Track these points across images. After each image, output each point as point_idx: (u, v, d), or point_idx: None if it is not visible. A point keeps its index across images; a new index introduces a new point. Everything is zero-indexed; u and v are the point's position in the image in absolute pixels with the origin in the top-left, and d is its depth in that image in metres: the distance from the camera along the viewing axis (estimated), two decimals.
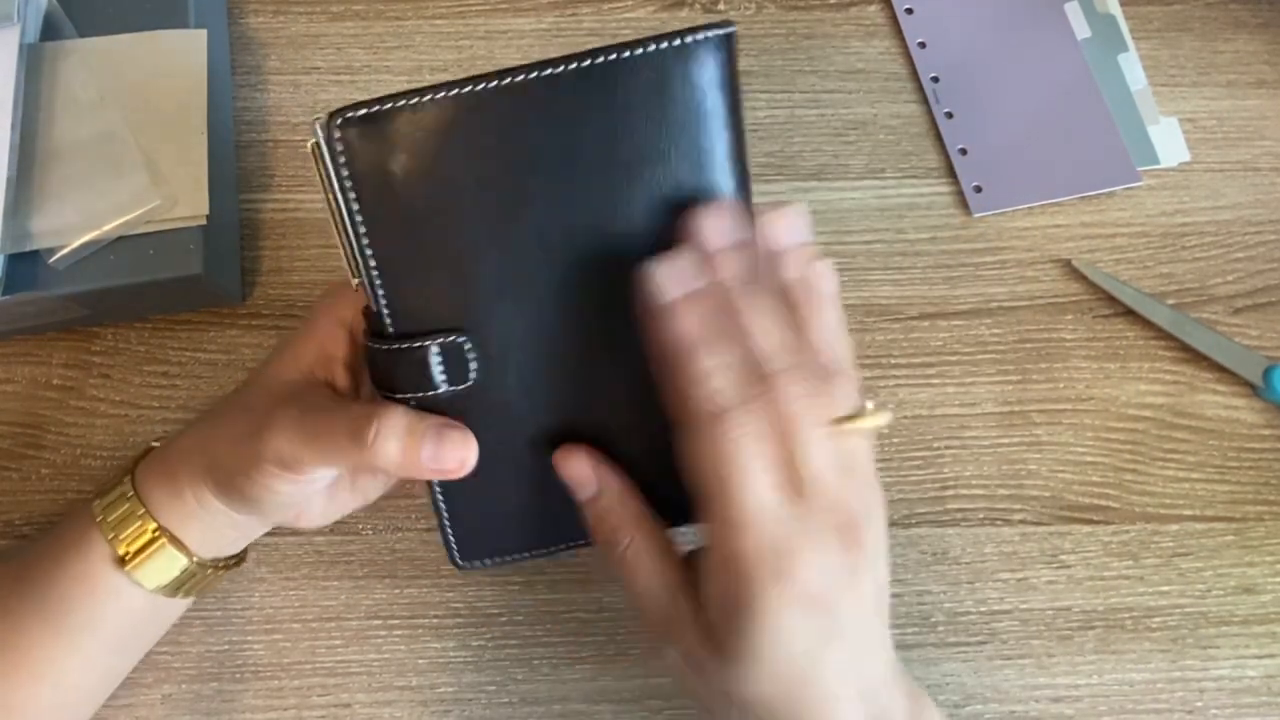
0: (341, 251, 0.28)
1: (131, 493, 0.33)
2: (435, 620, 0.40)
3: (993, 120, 0.49)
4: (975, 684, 0.40)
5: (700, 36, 0.27)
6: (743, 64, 0.51)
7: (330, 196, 0.27)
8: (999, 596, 0.41)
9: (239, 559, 0.37)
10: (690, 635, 0.29)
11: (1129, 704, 0.39)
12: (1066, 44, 0.51)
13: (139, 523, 0.33)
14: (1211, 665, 0.40)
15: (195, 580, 0.35)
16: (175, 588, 0.35)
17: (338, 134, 0.26)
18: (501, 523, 0.34)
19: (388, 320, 0.29)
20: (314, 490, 0.33)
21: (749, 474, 0.26)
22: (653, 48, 0.27)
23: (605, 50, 0.27)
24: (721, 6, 0.51)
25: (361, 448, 0.28)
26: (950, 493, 0.43)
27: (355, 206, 0.27)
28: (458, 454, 0.29)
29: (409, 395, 0.30)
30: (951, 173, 0.48)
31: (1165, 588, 0.41)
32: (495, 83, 0.26)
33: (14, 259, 0.40)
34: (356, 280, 0.29)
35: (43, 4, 0.44)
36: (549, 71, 0.26)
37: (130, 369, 0.44)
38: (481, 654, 0.40)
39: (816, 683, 0.27)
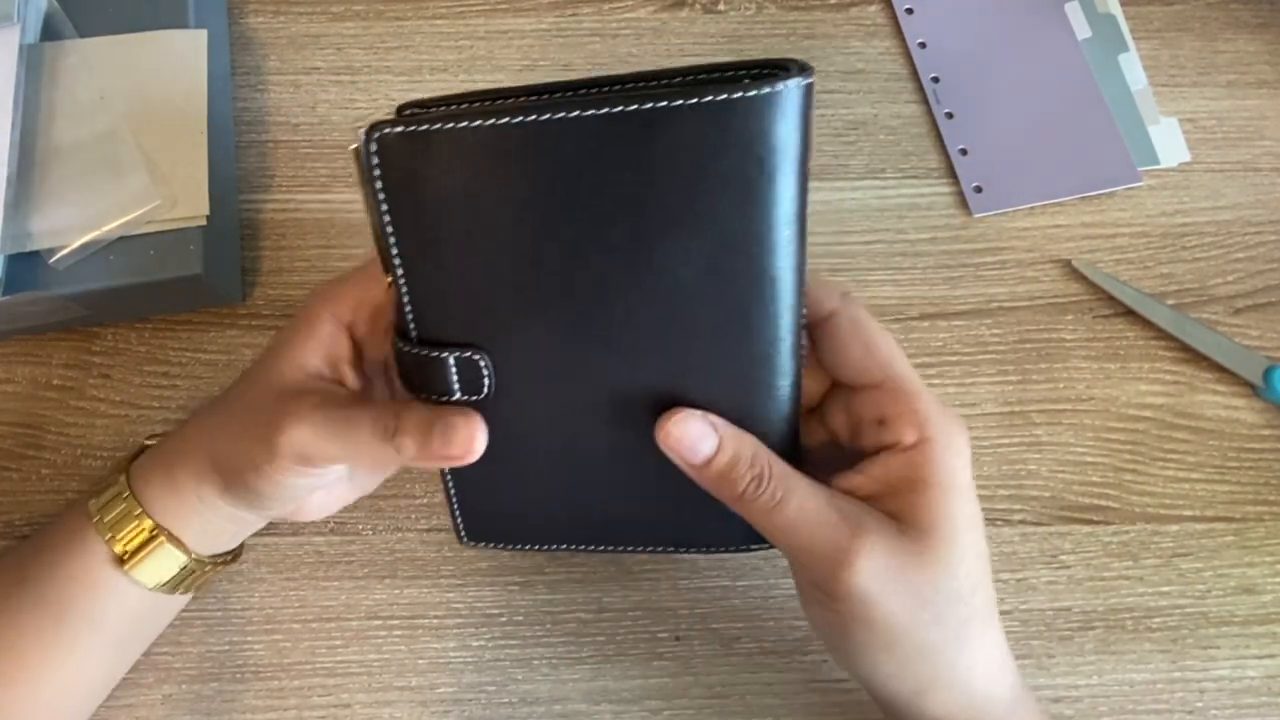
0: (376, 247, 0.29)
1: (127, 492, 0.34)
2: (435, 620, 0.40)
3: (993, 120, 0.49)
4: None
5: (781, 87, 0.24)
6: None
7: (366, 199, 0.28)
8: (999, 597, 0.41)
9: (235, 555, 0.37)
10: (883, 543, 0.29)
11: (1129, 704, 0.39)
12: (1067, 44, 0.51)
13: (136, 521, 0.33)
14: (1211, 665, 0.40)
15: (194, 577, 0.35)
16: (174, 585, 0.35)
17: (374, 146, 0.26)
18: (507, 515, 0.36)
19: (411, 325, 0.30)
20: (323, 484, 0.33)
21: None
22: (724, 96, 0.24)
23: (664, 87, 0.25)
24: (721, 6, 0.51)
25: (385, 443, 0.29)
26: None
27: (387, 217, 0.28)
28: (461, 445, 0.29)
29: (428, 395, 0.30)
30: (951, 173, 0.48)
31: (1165, 588, 0.41)
32: (542, 116, 0.25)
33: (14, 259, 0.40)
34: (389, 279, 0.29)
35: (43, 4, 0.44)
36: (600, 111, 0.24)
37: (130, 369, 0.44)
38: (481, 654, 0.40)
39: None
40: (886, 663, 0.30)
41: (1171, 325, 0.45)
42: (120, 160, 0.42)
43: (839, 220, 0.47)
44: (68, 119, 0.42)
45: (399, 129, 0.26)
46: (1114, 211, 0.48)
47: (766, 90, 0.24)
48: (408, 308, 0.29)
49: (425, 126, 0.26)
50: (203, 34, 0.45)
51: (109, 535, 0.33)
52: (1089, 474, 0.43)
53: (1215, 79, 0.50)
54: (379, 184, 0.27)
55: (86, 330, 0.44)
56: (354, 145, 0.27)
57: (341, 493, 0.36)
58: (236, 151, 0.47)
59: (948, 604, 0.29)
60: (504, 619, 0.40)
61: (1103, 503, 0.42)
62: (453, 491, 0.35)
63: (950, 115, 0.49)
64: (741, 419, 0.30)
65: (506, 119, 0.25)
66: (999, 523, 0.42)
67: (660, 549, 0.37)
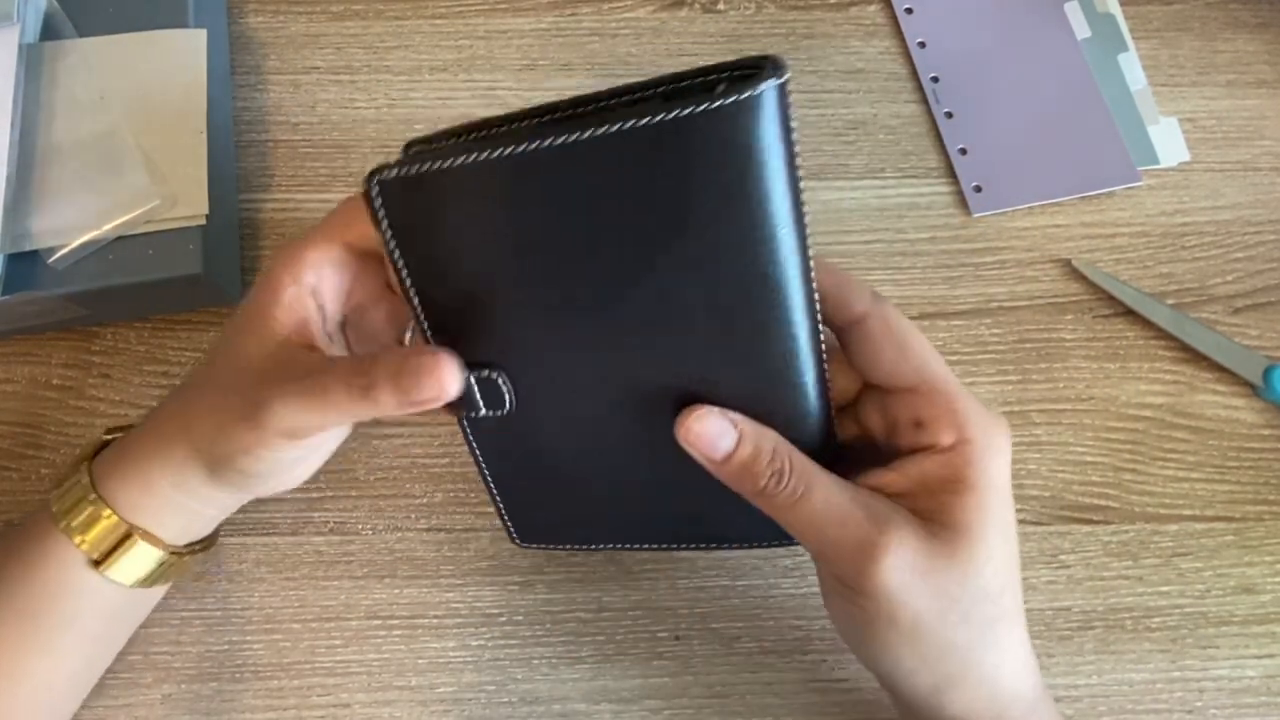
0: (394, 280, 0.30)
1: (94, 494, 0.33)
2: (435, 620, 0.40)
3: (993, 120, 0.49)
4: None
5: (754, 91, 0.23)
6: None
7: (377, 237, 0.28)
8: None
9: (211, 540, 0.37)
10: (911, 541, 0.28)
11: (1128, 704, 0.39)
12: (1066, 44, 0.51)
13: (106, 523, 0.33)
14: (1211, 665, 0.40)
15: (173, 569, 0.35)
16: (153, 579, 0.35)
17: (376, 189, 0.27)
18: (552, 518, 0.37)
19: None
20: (308, 451, 0.33)
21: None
22: (700, 108, 0.23)
23: (642, 103, 0.26)
24: (721, 6, 0.51)
25: (363, 401, 0.29)
26: None
27: (397, 253, 0.28)
28: (434, 389, 0.28)
29: (455, 410, 0.32)
30: (951, 173, 0.48)
31: (1165, 588, 0.41)
32: (519, 148, 0.25)
33: (14, 259, 0.40)
34: (409, 309, 0.30)
35: (43, 4, 0.44)
36: (574, 138, 0.25)
37: (130, 369, 0.44)
38: (481, 654, 0.40)
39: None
40: (909, 659, 0.30)
41: (1171, 325, 0.45)
42: (120, 160, 0.42)
43: (839, 220, 0.47)
44: (68, 119, 0.42)
45: (396, 172, 0.27)
46: (1114, 211, 0.48)
47: (739, 97, 0.23)
48: (428, 333, 0.30)
49: (418, 168, 0.26)
50: (202, 34, 0.45)
51: (80, 540, 0.33)
52: (1089, 474, 0.43)
53: (1215, 79, 0.50)
54: (385, 224, 0.28)
55: (86, 330, 0.44)
56: (362, 189, 0.28)
57: (315, 458, 0.35)
58: (236, 151, 0.48)
59: (975, 603, 0.29)
60: (504, 619, 0.40)
61: (1102, 502, 0.42)
62: (496, 496, 0.36)
63: (950, 115, 0.49)
64: (764, 417, 0.30)
65: (488, 153, 0.25)
66: None
67: (700, 546, 0.38)
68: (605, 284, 0.28)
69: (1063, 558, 0.42)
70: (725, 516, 0.34)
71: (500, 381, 0.30)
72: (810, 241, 0.27)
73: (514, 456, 0.34)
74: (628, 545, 0.39)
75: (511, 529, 0.37)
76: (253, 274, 0.45)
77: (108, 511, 0.33)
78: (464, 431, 0.33)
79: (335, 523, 0.41)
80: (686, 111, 0.24)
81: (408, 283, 0.29)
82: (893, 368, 0.31)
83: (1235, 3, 0.52)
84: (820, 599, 0.41)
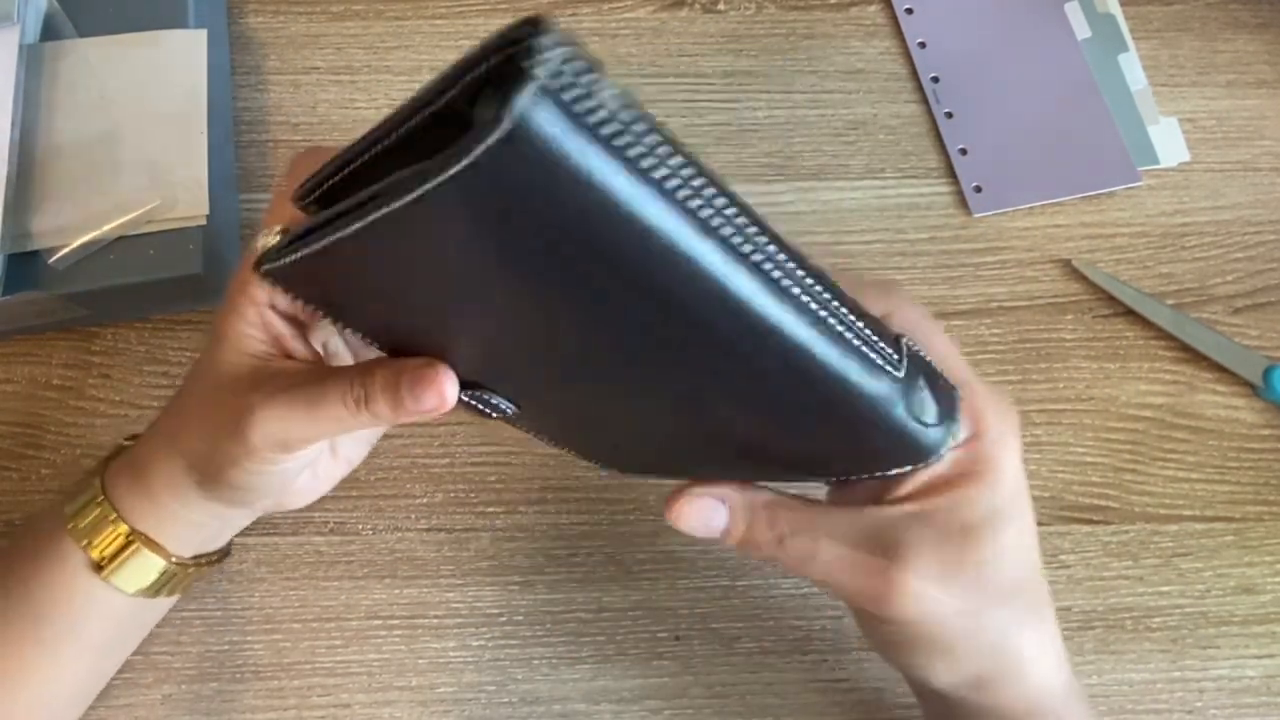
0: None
1: (101, 496, 0.33)
2: (435, 620, 0.40)
3: (993, 120, 0.49)
4: None
5: (504, 124, 0.16)
6: (743, 64, 0.51)
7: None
8: None
9: (223, 553, 0.36)
10: (926, 556, 0.28)
11: (1128, 704, 0.39)
12: (1066, 44, 0.51)
13: (111, 527, 0.33)
14: (1211, 665, 0.40)
15: (177, 580, 0.35)
16: (156, 589, 0.34)
17: (269, 281, 0.26)
18: None
19: None
20: (304, 465, 0.32)
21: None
22: (433, 184, 0.18)
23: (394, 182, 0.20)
24: (721, 6, 0.51)
25: (359, 414, 0.28)
26: None
27: (327, 318, 0.28)
28: (433, 400, 0.28)
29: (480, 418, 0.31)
30: (951, 173, 0.48)
31: (1165, 588, 0.41)
32: (356, 224, 0.21)
33: (14, 259, 0.40)
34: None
35: (43, 4, 0.44)
36: (366, 221, 0.20)
37: (130, 369, 0.44)
38: (481, 654, 0.40)
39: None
40: (943, 664, 0.30)
41: (1171, 325, 0.45)
42: (120, 160, 0.42)
43: (839, 220, 0.47)
44: (68, 119, 0.42)
45: (264, 267, 0.25)
46: (1114, 211, 0.48)
47: (479, 147, 0.17)
48: None
49: (285, 259, 0.24)
50: (203, 34, 0.45)
51: (85, 542, 0.33)
52: (1089, 474, 0.43)
53: (1215, 79, 0.50)
54: (298, 300, 0.27)
55: (86, 330, 0.44)
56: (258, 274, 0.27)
57: (328, 471, 0.35)
58: (236, 151, 0.47)
59: (1000, 600, 0.29)
60: (504, 619, 0.40)
61: (1102, 503, 0.42)
62: None
63: (950, 115, 0.49)
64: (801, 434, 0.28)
65: (329, 237, 0.22)
66: None
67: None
68: (535, 315, 0.24)
69: (1063, 558, 0.42)
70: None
71: (489, 398, 0.29)
72: (777, 229, 0.22)
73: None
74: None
75: None
76: None
77: (113, 515, 0.33)
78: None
79: (335, 523, 0.41)
80: (430, 187, 0.18)
81: (358, 335, 0.28)
82: None
83: (1235, 3, 0.52)
84: (820, 599, 0.41)
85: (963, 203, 0.48)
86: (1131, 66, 0.50)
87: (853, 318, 0.24)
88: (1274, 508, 0.43)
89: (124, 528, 0.33)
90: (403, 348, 0.29)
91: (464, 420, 0.43)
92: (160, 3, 0.45)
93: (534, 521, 0.42)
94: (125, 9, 0.45)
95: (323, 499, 0.42)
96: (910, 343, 0.27)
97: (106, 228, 0.40)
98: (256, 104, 0.49)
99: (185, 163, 0.42)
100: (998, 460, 0.29)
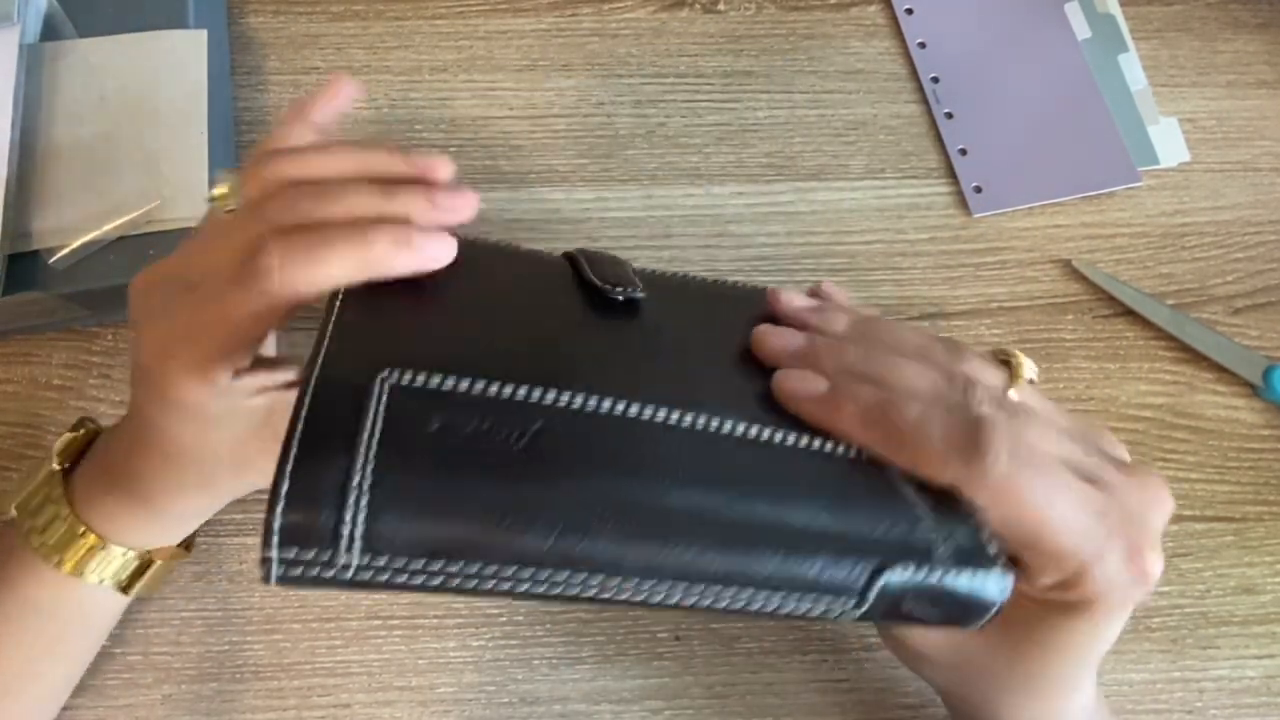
0: None
1: (83, 528, 0.33)
2: (435, 620, 0.40)
3: (993, 120, 0.49)
4: None
5: None
6: (742, 64, 0.51)
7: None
8: None
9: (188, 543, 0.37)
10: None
11: (1129, 704, 0.39)
12: (1066, 44, 0.51)
13: (111, 555, 0.34)
14: (1211, 665, 0.40)
15: (150, 578, 0.35)
16: (143, 584, 0.35)
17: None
18: None
19: None
20: (242, 404, 0.31)
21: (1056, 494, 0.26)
22: None
23: None
24: (721, 6, 0.51)
25: (362, 244, 0.27)
26: None
27: None
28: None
29: None
30: (951, 173, 0.48)
31: (1165, 588, 0.41)
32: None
33: (14, 259, 0.40)
34: None
35: (42, 4, 0.44)
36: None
37: (130, 369, 0.43)
38: (481, 654, 0.40)
39: None
40: (977, 677, 0.31)
41: (1171, 325, 0.45)
42: (120, 160, 0.42)
43: (838, 220, 0.47)
44: (68, 119, 0.42)
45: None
46: (1114, 211, 0.48)
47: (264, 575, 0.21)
48: None
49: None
50: (203, 34, 0.45)
51: (86, 572, 0.33)
52: None
53: (1215, 79, 0.50)
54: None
55: (86, 330, 0.44)
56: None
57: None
58: (236, 151, 0.47)
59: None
60: (504, 619, 0.40)
61: None
62: None
63: (950, 115, 0.49)
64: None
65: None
66: None
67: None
68: None
69: None
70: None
71: None
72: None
73: None
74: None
75: None
76: None
77: (82, 529, 0.33)
78: None
79: None
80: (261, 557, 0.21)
81: None
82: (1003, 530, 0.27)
83: (1235, 3, 0.52)
84: None
85: (963, 203, 0.48)
86: (1131, 67, 0.50)
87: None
88: (1274, 508, 0.43)
89: (127, 551, 0.34)
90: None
91: None
92: (160, 3, 0.45)
93: None
94: (125, 9, 0.45)
95: None
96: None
97: (106, 228, 0.40)
98: (256, 104, 0.49)
99: (185, 163, 0.42)
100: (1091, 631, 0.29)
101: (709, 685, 0.39)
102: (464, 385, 0.24)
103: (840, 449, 0.28)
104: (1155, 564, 0.27)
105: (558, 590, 0.22)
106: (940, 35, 0.51)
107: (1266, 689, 0.40)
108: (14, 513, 0.34)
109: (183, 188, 0.42)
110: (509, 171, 0.47)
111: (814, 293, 0.36)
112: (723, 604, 0.23)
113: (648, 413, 0.26)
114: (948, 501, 0.26)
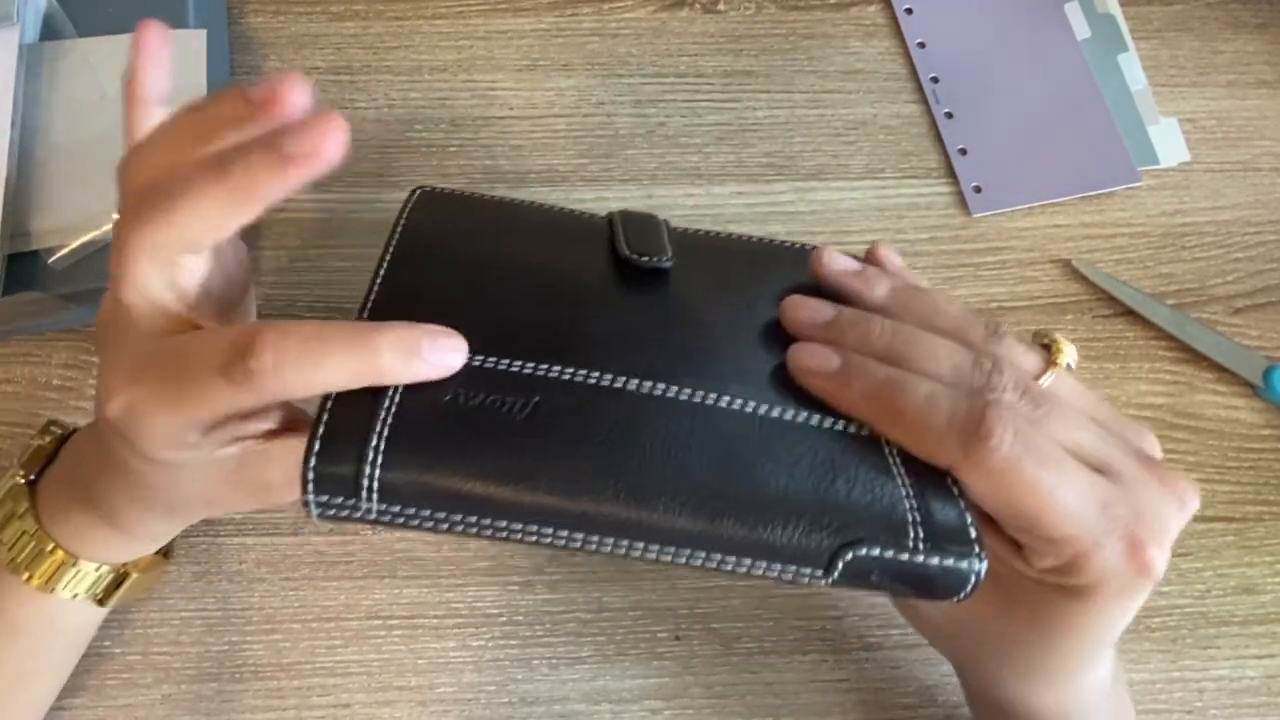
0: None
1: (51, 544, 0.32)
2: (435, 620, 0.40)
3: (993, 120, 0.49)
4: None
5: None
6: (742, 64, 0.51)
7: None
8: None
9: (167, 549, 0.37)
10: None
11: None
12: (1066, 44, 0.51)
13: (83, 570, 0.33)
14: (1211, 665, 0.40)
15: (126, 588, 0.35)
16: (119, 596, 0.35)
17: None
18: None
19: None
20: (213, 454, 0.29)
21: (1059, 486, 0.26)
22: None
23: None
24: (721, 6, 0.51)
25: (365, 348, 0.26)
26: None
27: None
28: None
29: None
30: (951, 173, 0.48)
31: (1165, 588, 0.41)
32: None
33: (14, 259, 0.40)
34: None
35: (42, 4, 0.44)
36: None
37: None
38: (481, 654, 0.40)
39: None
40: (1001, 660, 0.31)
41: (1171, 325, 0.45)
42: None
43: (838, 220, 0.47)
44: (68, 119, 0.42)
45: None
46: (1114, 211, 0.48)
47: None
48: None
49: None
50: (202, 34, 0.45)
51: (26, 575, 0.32)
52: None
53: (1215, 79, 0.50)
54: None
55: (86, 330, 0.44)
56: None
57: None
58: None
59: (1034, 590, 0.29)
60: (504, 619, 0.40)
61: None
62: None
63: (950, 115, 0.49)
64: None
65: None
66: None
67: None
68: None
69: None
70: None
71: None
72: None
73: None
74: None
75: None
76: (252, 274, 0.45)
77: (51, 545, 0.32)
78: None
79: (336, 523, 0.41)
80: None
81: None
82: (1002, 516, 0.28)
83: (1235, 3, 0.52)
84: (820, 599, 0.41)
85: (962, 203, 0.48)
86: (1131, 66, 0.50)
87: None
88: (1274, 508, 0.43)
89: (103, 567, 0.33)
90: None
91: None
92: (160, 3, 0.45)
93: None
94: (125, 9, 0.45)
95: None
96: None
97: (106, 228, 0.40)
98: None
99: None
100: (1105, 622, 0.29)
101: (709, 685, 0.39)
102: (476, 361, 0.28)
103: (845, 425, 0.29)
104: (1159, 560, 0.27)
105: (547, 541, 0.26)
106: (940, 35, 0.51)
107: (1266, 689, 0.40)
108: None
109: None
110: (509, 171, 0.47)
111: (870, 253, 0.35)
112: (696, 563, 0.26)
113: (646, 387, 0.28)
114: (940, 483, 0.27)
